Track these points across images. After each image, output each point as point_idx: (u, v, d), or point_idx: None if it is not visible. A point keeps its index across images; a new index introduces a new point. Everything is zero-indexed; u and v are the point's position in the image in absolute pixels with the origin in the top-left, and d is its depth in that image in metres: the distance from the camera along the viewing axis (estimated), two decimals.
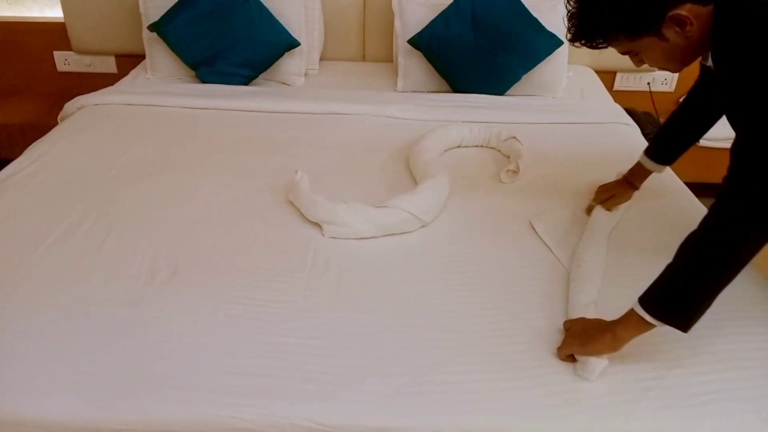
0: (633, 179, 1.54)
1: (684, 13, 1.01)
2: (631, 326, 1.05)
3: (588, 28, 1.10)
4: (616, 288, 1.26)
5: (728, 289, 1.24)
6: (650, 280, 1.22)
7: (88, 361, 1.07)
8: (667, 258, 1.31)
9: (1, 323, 1.15)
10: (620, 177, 1.57)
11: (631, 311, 1.05)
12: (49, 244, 1.37)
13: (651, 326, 1.03)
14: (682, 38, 1.05)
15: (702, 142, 2.41)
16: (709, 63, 1.14)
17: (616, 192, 1.53)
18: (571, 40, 1.13)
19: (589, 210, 1.54)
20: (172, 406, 1.00)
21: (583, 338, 1.08)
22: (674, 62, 1.13)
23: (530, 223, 1.48)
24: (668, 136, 1.50)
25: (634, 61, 1.16)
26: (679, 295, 1.03)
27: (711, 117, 1.41)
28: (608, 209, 1.51)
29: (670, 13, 1.01)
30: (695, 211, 1.55)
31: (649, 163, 1.51)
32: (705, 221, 1.03)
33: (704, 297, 1.02)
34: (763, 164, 0.95)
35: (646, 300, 1.04)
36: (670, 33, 1.04)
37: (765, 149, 0.95)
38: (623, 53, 1.15)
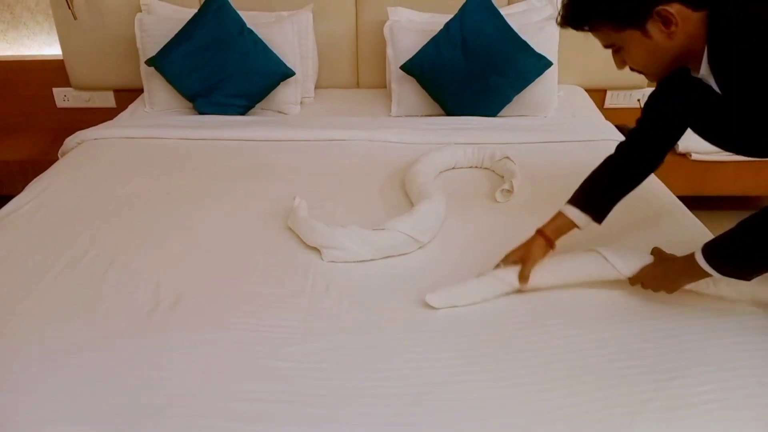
0: (548, 231, 1.35)
1: (671, 11, 1.02)
2: (698, 274, 1.16)
3: (577, 11, 1.13)
4: (617, 302, 1.28)
5: (725, 301, 1.26)
6: (645, 298, 1.26)
7: (94, 390, 1.08)
8: None
9: (6, 355, 1.16)
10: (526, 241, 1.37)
11: (696, 262, 1.15)
12: (53, 276, 1.39)
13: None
14: (665, 38, 1.06)
15: (694, 155, 2.48)
16: (701, 74, 1.12)
17: (522, 251, 1.35)
18: (561, 24, 1.16)
19: (525, 278, 1.30)
20: None
21: (664, 281, 1.23)
22: (654, 64, 1.13)
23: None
24: (599, 184, 1.37)
25: (616, 61, 1.17)
26: (750, 252, 1.10)
27: (641, 176, 1.36)
28: (524, 279, 1.29)
29: (657, 8, 1.03)
30: (689, 224, 1.57)
31: (572, 213, 1.35)
32: None
33: None
34: None
35: (713, 255, 1.13)
36: (654, 30, 1.05)
37: None
38: (606, 46, 1.16)
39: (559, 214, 1.37)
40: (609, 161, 1.38)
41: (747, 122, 1.07)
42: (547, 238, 1.35)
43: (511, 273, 1.31)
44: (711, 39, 1.04)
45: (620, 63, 1.17)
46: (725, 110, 1.11)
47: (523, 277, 1.29)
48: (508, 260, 1.36)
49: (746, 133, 1.11)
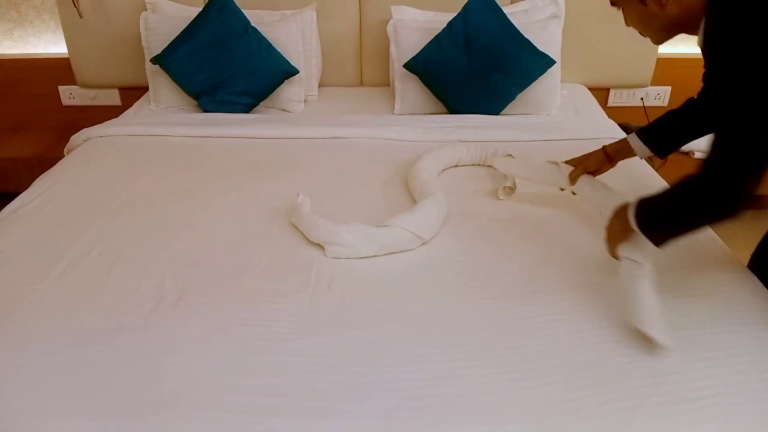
0: (613, 153, 1.52)
1: None
2: (624, 222, 1.21)
3: None
4: (612, 299, 1.29)
5: (723, 296, 1.28)
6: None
7: (98, 384, 1.09)
8: (662, 272, 1.35)
9: (12, 350, 1.17)
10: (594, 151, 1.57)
11: (625, 213, 1.21)
12: (59, 272, 1.41)
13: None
14: (658, 7, 1.12)
15: (697, 154, 2.48)
16: (699, 43, 1.14)
17: (588, 163, 1.54)
18: None
19: (573, 179, 1.54)
20: (182, 426, 1.02)
21: (608, 232, 1.30)
22: (650, 30, 1.20)
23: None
24: (667, 124, 1.47)
25: (624, 18, 1.24)
26: (661, 220, 1.17)
27: (714, 122, 1.35)
28: (574, 180, 1.52)
29: None
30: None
31: (637, 144, 1.48)
32: (703, 176, 1.09)
33: (686, 230, 1.17)
34: (752, 110, 1.00)
35: (637, 211, 1.19)
36: None
37: (750, 99, 1.00)
38: (612, 4, 1.25)
39: (625, 140, 1.51)
40: (687, 102, 1.44)
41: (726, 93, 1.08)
42: (606, 153, 1.51)
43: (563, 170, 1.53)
44: (708, 12, 1.07)
45: (626, 20, 1.25)
46: (711, 80, 1.19)
47: (572, 178, 1.51)
48: (568, 161, 1.56)
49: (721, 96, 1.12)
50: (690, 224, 1.16)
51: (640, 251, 1.22)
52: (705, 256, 1.45)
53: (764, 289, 1.32)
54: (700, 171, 1.10)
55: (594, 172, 1.56)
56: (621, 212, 1.26)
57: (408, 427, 1.01)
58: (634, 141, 1.50)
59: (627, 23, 1.25)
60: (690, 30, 1.16)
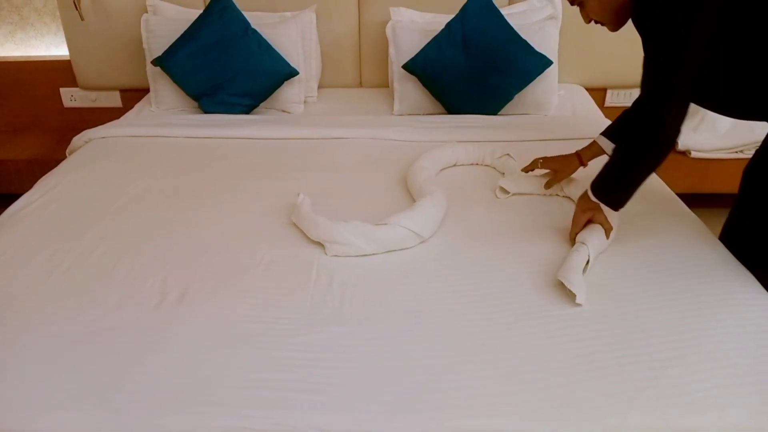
0: (583, 155, 1.69)
1: None
2: (587, 201, 1.44)
3: None
4: (611, 293, 1.31)
5: (717, 293, 1.30)
6: (642, 292, 1.30)
7: (102, 379, 1.11)
8: (659, 269, 1.37)
9: (17, 347, 1.19)
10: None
11: (586, 194, 1.44)
12: (62, 271, 1.42)
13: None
14: None
15: (693, 153, 2.50)
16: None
17: (560, 166, 1.69)
18: None
19: (533, 165, 1.72)
20: (186, 420, 1.04)
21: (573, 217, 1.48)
22: (609, 16, 1.38)
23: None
24: (625, 122, 1.64)
25: (582, 15, 1.42)
26: (612, 180, 1.40)
27: None
28: (549, 186, 1.69)
29: None
30: (688, 220, 1.60)
31: (603, 142, 1.66)
32: (635, 119, 1.34)
33: (635, 182, 1.38)
34: (666, 60, 1.26)
35: (593, 185, 1.42)
36: None
37: (664, 52, 1.26)
38: (572, 3, 1.42)
39: (593, 143, 1.69)
40: (636, 100, 1.59)
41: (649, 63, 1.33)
42: (579, 157, 1.69)
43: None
44: None
45: (586, 17, 1.43)
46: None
47: (547, 186, 1.70)
48: (545, 164, 1.72)
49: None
50: (637, 170, 1.36)
51: (592, 238, 1.40)
52: (681, 230, 1.55)
53: (737, 263, 1.41)
54: (635, 119, 1.32)
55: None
56: (583, 195, 1.47)
57: (408, 420, 1.03)
58: (602, 141, 1.68)
59: (586, 19, 1.42)
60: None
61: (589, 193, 1.45)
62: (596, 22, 1.43)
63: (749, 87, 1.34)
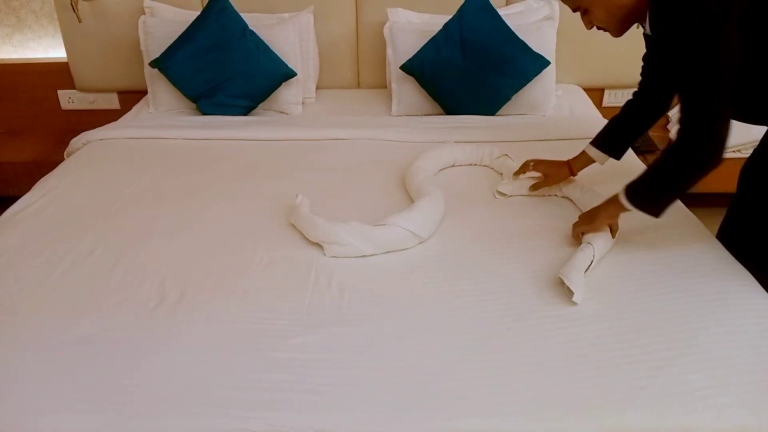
0: (574, 164, 1.70)
1: None
2: (618, 208, 1.39)
3: None
4: (609, 293, 1.31)
5: (715, 292, 1.30)
6: (645, 289, 1.30)
7: (101, 382, 1.11)
8: (657, 268, 1.37)
9: (15, 349, 1.19)
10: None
11: (617, 198, 1.37)
12: (61, 273, 1.42)
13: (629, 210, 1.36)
14: None
15: None
16: (647, 31, 1.35)
17: (551, 171, 1.70)
18: None
19: (524, 168, 1.72)
20: (185, 421, 1.04)
21: (589, 218, 1.44)
22: (614, 22, 1.35)
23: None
24: (614, 130, 1.67)
25: (584, 23, 1.39)
26: (656, 189, 1.34)
27: (652, 116, 1.62)
28: (535, 189, 1.70)
29: None
30: (685, 220, 1.60)
31: (593, 152, 1.67)
32: (681, 130, 1.26)
33: (680, 192, 1.33)
34: (703, 79, 1.21)
35: (629, 192, 1.35)
36: None
37: (699, 71, 1.21)
38: (574, 10, 1.40)
39: (583, 152, 1.69)
40: (627, 105, 1.64)
41: (665, 62, 1.34)
42: (570, 167, 1.70)
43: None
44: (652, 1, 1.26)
45: (588, 24, 1.40)
46: (662, 58, 1.35)
47: (535, 188, 1.70)
48: (537, 167, 1.71)
49: (665, 71, 1.36)
50: (682, 185, 1.31)
51: (598, 239, 1.41)
52: (680, 229, 1.55)
53: (736, 262, 1.41)
54: (676, 139, 1.27)
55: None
56: (612, 202, 1.41)
57: (407, 420, 1.03)
58: (592, 151, 1.68)
59: (588, 25, 1.39)
60: (641, 18, 1.34)
61: (625, 202, 1.36)
62: (599, 28, 1.40)
63: (755, 93, 1.33)
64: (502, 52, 2.29)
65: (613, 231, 1.45)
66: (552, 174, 1.71)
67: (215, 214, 1.67)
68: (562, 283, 1.31)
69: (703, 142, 1.24)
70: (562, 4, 1.44)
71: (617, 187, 1.40)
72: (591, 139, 1.70)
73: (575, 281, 1.29)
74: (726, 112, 1.22)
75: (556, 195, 1.75)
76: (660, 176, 1.33)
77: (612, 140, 1.67)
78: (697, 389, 1.07)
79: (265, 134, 2.19)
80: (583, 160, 1.70)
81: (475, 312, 1.28)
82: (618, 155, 1.67)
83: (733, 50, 1.20)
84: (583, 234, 1.46)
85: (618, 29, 1.38)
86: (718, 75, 1.20)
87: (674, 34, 1.24)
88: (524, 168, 1.73)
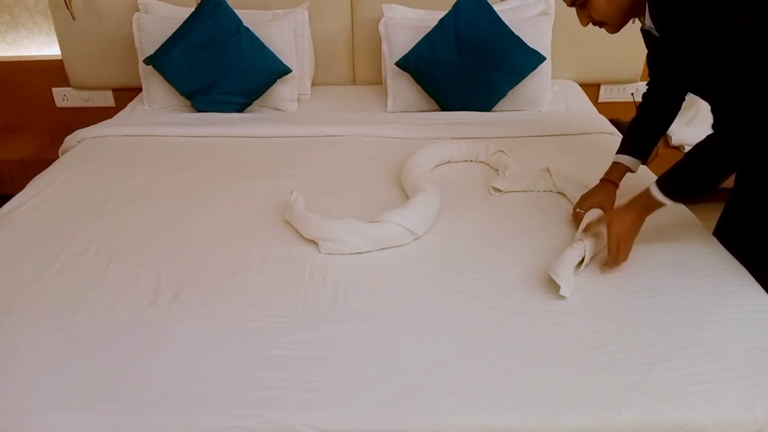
0: (612, 177, 1.59)
1: None
2: (653, 206, 1.35)
3: None
4: (605, 288, 1.31)
5: (711, 288, 1.30)
6: (641, 284, 1.32)
7: (96, 380, 1.11)
8: (653, 264, 1.37)
9: (11, 348, 1.19)
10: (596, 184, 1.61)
11: (650, 195, 1.34)
12: (55, 271, 1.42)
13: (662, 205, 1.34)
14: None
15: (687, 148, 2.50)
16: (647, 26, 1.32)
17: (599, 197, 1.55)
18: None
19: (576, 217, 1.55)
20: (179, 419, 1.04)
21: (631, 230, 1.36)
22: (615, 16, 1.31)
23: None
24: (638, 134, 1.61)
25: (580, 17, 1.35)
26: (696, 180, 1.31)
27: (669, 115, 1.57)
28: (596, 226, 1.45)
29: None
30: (682, 215, 1.60)
31: (626, 160, 1.59)
32: (716, 127, 1.27)
33: (722, 179, 1.30)
34: (732, 68, 1.17)
35: (665, 185, 1.32)
36: None
37: (723, 60, 1.17)
38: (571, 3, 1.34)
39: (615, 164, 1.60)
40: (639, 108, 1.59)
41: (678, 61, 1.27)
42: (612, 182, 1.59)
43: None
44: None
45: (585, 19, 1.35)
46: (665, 52, 1.30)
47: (595, 226, 1.45)
48: (585, 205, 1.55)
49: (680, 71, 1.30)
50: (725, 172, 1.29)
51: (591, 238, 1.41)
52: (676, 226, 1.55)
53: (732, 258, 1.41)
54: (716, 130, 1.27)
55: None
56: (637, 206, 1.37)
57: (402, 417, 1.03)
58: (624, 159, 1.60)
59: (585, 20, 1.35)
60: (639, 13, 1.31)
61: (660, 196, 1.33)
62: (595, 24, 1.36)
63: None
64: (497, 48, 2.28)
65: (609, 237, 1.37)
66: (604, 201, 1.55)
67: (210, 212, 1.66)
68: (553, 279, 1.31)
69: (744, 125, 1.21)
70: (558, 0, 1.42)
71: None
72: (616, 151, 1.62)
73: (563, 276, 1.29)
74: (761, 98, 1.18)
75: (551, 191, 1.74)
76: (704, 166, 1.29)
77: (639, 144, 1.60)
78: (693, 384, 1.07)
79: (260, 131, 2.18)
80: (618, 171, 1.60)
81: (471, 308, 1.27)
82: (646, 155, 1.62)
83: (748, 40, 1.14)
84: (621, 245, 1.36)
85: (618, 23, 1.33)
86: (742, 64, 1.16)
87: (675, 32, 1.22)
88: (577, 217, 1.55)
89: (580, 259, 1.36)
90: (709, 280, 1.33)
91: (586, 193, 1.59)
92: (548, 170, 1.75)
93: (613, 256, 1.35)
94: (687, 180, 1.33)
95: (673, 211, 1.61)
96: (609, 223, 1.37)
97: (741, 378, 1.08)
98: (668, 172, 1.34)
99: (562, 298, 1.28)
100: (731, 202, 1.55)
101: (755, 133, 1.20)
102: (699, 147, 1.29)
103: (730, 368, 1.10)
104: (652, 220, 1.51)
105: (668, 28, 1.25)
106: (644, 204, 1.37)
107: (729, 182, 1.55)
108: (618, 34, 1.38)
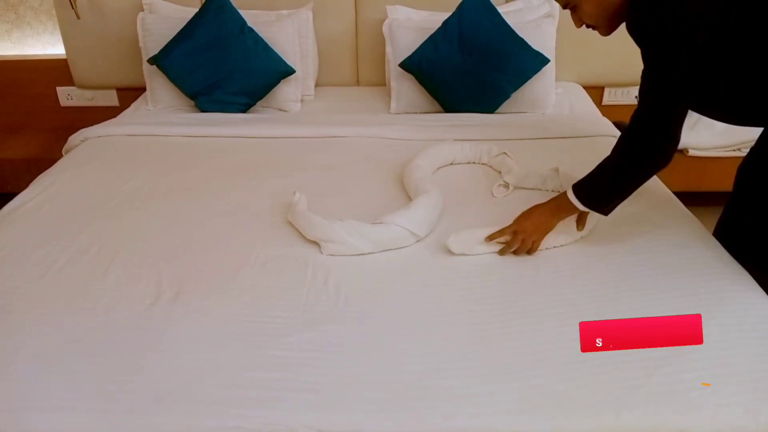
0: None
1: None
2: (568, 209, 1.43)
3: None
4: (606, 291, 1.31)
5: (712, 291, 1.30)
6: (638, 291, 1.31)
7: (97, 379, 1.11)
8: (655, 267, 1.37)
9: (12, 346, 1.19)
10: None
11: (566, 197, 1.42)
12: (57, 270, 1.42)
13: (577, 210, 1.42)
14: None
15: (691, 151, 2.50)
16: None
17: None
18: None
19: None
20: (179, 419, 1.04)
21: (540, 227, 1.43)
22: (604, 19, 1.35)
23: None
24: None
25: (574, 20, 1.40)
26: (605, 189, 1.40)
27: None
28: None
29: None
30: (684, 219, 1.60)
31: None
32: (632, 136, 1.36)
33: (625, 191, 1.40)
34: (659, 105, 1.32)
35: (579, 191, 1.41)
36: None
37: (651, 85, 1.31)
38: (564, 6, 1.40)
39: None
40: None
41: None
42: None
43: None
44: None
45: (578, 21, 1.40)
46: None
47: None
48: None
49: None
50: (635, 183, 1.40)
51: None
52: (677, 228, 1.55)
53: (733, 261, 1.41)
54: (632, 136, 1.36)
55: None
56: (555, 206, 1.45)
57: (402, 419, 1.03)
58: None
59: (578, 23, 1.40)
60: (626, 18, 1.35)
61: (576, 202, 1.41)
62: (588, 26, 1.40)
63: (743, 94, 1.33)
64: (501, 50, 2.28)
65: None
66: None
67: (212, 212, 1.66)
68: (558, 282, 1.31)
69: (656, 156, 1.35)
70: None
71: None
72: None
73: (461, 236, 1.43)
74: (676, 133, 1.34)
75: (558, 191, 1.71)
76: (616, 178, 1.40)
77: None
78: (693, 389, 1.07)
79: (263, 131, 2.18)
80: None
81: (472, 310, 1.27)
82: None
83: (698, 54, 1.26)
84: (526, 238, 1.43)
85: (606, 27, 1.37)
86: (672, 104, 1.30)
87: (646, 40, 1.29)
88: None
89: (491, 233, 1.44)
90: (711, 283, 1.32)
91: None
92: (557, 170, 1.75)
93: (510, 244, 1.44)
94: (596, 187, 1.41)
95: (673, 214, 1.61)
96: (520, 216, 1.46)
97: (742, 383, 1.08)
98: (584, 177, 1.42)
99: (565, 301, 1.28)
100: (731, 204, 1.55)
101: (658, 157, 1.34)
102: (609, 158, 1.39)
103: (731, 372, 1.10)
104: (653, 222, 1.51)
105: (637, 33, 1.31)
106: (558, 204, 1.45)
107: (728, 185, 1.55)
108: (622, 36, 1.39)
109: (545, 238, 1.46)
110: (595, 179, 1.41)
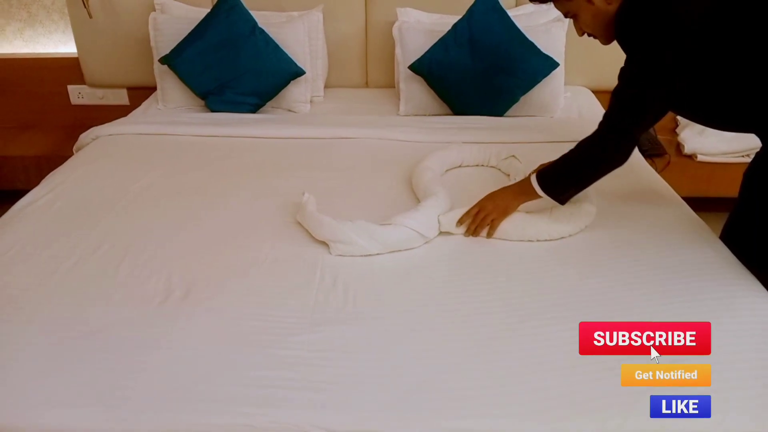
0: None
1: None
2: (530, 193, 1.49)
3: None
4: (613, 295, 1.31)
5: (719, 295, 1.29)
6: (645, 294, 1.31)
7: (106, 376, 1.12)
8: (662, 272, 1.37)
9: (22, 342, 1.20)
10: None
11: (530, 182, 1.49)
12: (68, 267, 1.43)
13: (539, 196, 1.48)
14: (605, 3, 1.35)
15: (699, 157, 2.50)
16: None
17: None
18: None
19: None
20: (189, 417, 1.05)
21: (500, 207, 1.50)
22: (601, 28, 1.40)
23: None
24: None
25: (576, 29, 1.45)
26: (563, 179, 1.47)
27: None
28: None
29: None
30: (693, 224, 1.59)
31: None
32: (596, 132, 1.42)
33: (587, 182, 1.47)
34: (628, 95, 1.38)
35: (540, 177, 1.48)
36: None
37: (626, 86, 1.39)
38: (566, 16, 1.45)
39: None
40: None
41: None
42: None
43: None
44: (620, 8, 1.34)
45: (579, 30, 1.45)
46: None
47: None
48: None
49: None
50: (591, 176, 1.46)
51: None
52: (684, 232, 1.55)
53: (740, 265, 1.41)
54: (596, 132, 1.42)
55: None
56: (518, 190, 1.53)
57: (409, 419, 1.04)
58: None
59: (579, 32, 1.45)
60: None
61: (537, 188, 1.48)
62: (589, 35, 1.45)
63: (735, 102, 1.35)
64: (510, 53, 2.28)
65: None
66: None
67: (222, 211, 1.67)
68: (566, 286, 1.31)
69: (615, 153, 1.41)
70: None
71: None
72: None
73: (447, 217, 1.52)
74: (640, 136, 1.42)
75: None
76: (574, 170, 1.47)
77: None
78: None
79: (272, 132, 2.19)
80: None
81: (479, 312, 1.28)
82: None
83: (680, 68, 1.31)
84: (493, 220, 1.50)
85: (605, 36, 1.42)
86: (644, 112, 1.37)
87: (631, 48, 1.36)
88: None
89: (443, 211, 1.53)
90: (718, 287, 1.32)
91: None
92: (515, 156, 1.81)
93: (472, 219, 1.51)
94: (555, 175, 1.48)
95: (681, 218, 1.61)
96: (485, 197, 1.54)
97: (749, 388, 1.08)
98: (549, 165, 1.50)
99: (571, 304, 1.28)
100: (737, 208, 1.55)
101: (620, 154, 1.40)
102: (573, 151, 1.45)
103: (739, 377, 1.10)
104: (662, 226, 1.51)
105: (624, 41, 1.38)
106: (521, 188, 1.53)
107: (734, 191, 1.55)
108: None
109: (512, 226, 1.51)
110: (558, 169, 1.48)
